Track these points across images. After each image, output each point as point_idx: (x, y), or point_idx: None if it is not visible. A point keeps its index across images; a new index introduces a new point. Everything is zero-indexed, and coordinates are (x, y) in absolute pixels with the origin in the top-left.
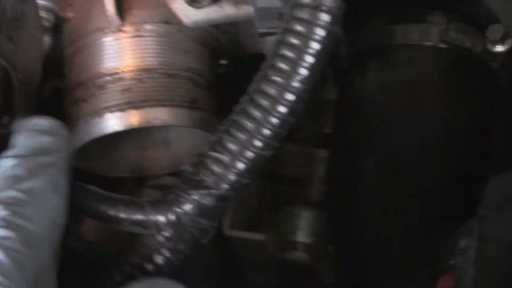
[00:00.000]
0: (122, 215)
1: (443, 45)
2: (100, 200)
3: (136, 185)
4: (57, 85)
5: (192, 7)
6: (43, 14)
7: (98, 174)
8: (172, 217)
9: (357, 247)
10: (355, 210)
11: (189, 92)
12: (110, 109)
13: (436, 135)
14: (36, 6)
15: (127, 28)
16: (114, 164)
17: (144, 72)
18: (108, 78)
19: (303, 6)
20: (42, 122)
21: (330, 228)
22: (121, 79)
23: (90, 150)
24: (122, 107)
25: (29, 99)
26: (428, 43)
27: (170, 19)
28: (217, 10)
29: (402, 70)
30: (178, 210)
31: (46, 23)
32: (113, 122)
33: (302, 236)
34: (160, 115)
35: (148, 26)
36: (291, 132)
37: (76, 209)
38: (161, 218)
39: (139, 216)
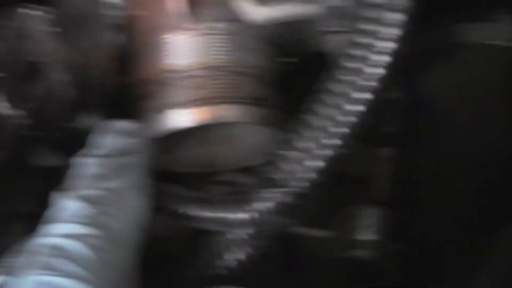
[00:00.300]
0: (206, 214)
1: (511, 45)
2: (181, 200)
3: (200, 181)
4: (123, 80)
5: (259, 5)
6: (114, 12)
7: (163, 169)
8: (254, 214)
9: (422, 244)
10: (420, 208)
11: (256, 89)
12: (181, 105)
13: (501, 135)
14: (109, 5)
15: (198, 26)
16: (180, 159)
17: (214, 70)
18: (179, 74)
19: (372, 6)
20: (123, 123)
21: (394, 226)
22: (192, 76)
23: (159, 145)
24: (194, 104)
25: (103, 96)
26: (495, 43)
27: (237, 17)
28: (283, 8)
29: (469, 69)
30: (260, 207)
31: (118, 21)
32: (185, 118)
33: (365, 234)
34: (229, 112)
35: (217, 24)
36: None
37: (157, 209)
38: (244, 216)
39: (222, 215)
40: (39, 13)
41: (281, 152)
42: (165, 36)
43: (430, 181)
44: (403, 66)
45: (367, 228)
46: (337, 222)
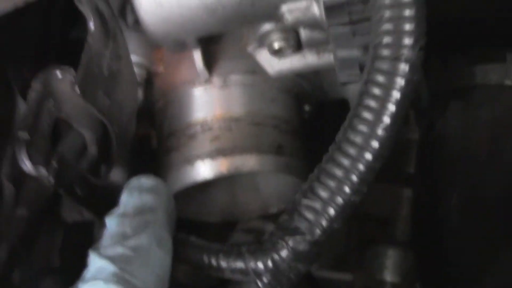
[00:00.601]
0: (224, 264)
1: None
2: (201, 250)
3: (223, 229)
4: (146, 132)
5: (276, 57)
6: (135, 69)
7: (188, 219)
8: (270, 263)
9: (445, 284)
10: (442, 247)
11: (275, 139)
12: (200, 157)
13: None
14: (130, 63)
15: (214, 79)
16: (205, 209)
17: (232, 121)
18: (198, 127)
19: (383, 58)
20: (144, 180)
21: (417, 267)
22: (210, 128)
23: (181, 196)
24: (212, 155)
25: (125, 150)
26: (508, 82)
27: (255, 69)
28: (300, 59)
29: (484, 109)
30: (276, 256)
31: (138, 78)
32: (204, 170)
33: (388, 276)
34: (248, 162)
35: (234, 77)
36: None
37: (178, 260)
38: (260, 265)
39: (240, 264)
40: (62, 73)
41: (301, 199)
42: (184, 90)
43: (451, 220)
44: (419, 108)
45: (390, 269)
46: (361, 263)
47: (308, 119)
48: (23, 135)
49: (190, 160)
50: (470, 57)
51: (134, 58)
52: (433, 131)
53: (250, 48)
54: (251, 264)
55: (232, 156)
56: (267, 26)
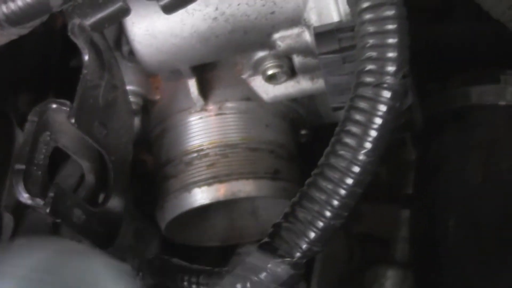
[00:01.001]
0: (203, 284)
1: None
2: (183, 271)
3: (220, 253)
4: (144, 158)
5: (270, 83)
6: (131, 98)
7: (187, 244)
8: (248, 285)
9: None
10: (440, 268)
11: (271, 164)
12: (197, 184)
13: None
14: (126, 93)
15: (210, 107)
16: (205, 234)
17: (228, 148)
18: (194, 155)
19: (366, 84)
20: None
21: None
22: (206, 155)
23: (181, 222)
24: (208, 182)
25: (123, 178)
26: (503, 103)
27: (250, 96)
28: (294, 85)
29: (479, 130)
30: (254, 278)
31: (135, 107)
32: (200, 196)
33: None
34: (244, 188)
35: (229, 104)
36: (377, 193)
37: (162, 281)
38: (238, 286)
39: (219, 285)
40: (58, 105)
41: (282, 223)
42: (180, 118)
43: (448, 241)
44: (414, 130)
45: None
46: (361, 285)
47: (305, 143)
48: (20, 167)
49: (187, 187)
50: (465, 79)
51: (130, 87)
52: (429, 153)
53: (244, 75)
54: (230, 285)
55: (228, 182)
56: (260, 53)
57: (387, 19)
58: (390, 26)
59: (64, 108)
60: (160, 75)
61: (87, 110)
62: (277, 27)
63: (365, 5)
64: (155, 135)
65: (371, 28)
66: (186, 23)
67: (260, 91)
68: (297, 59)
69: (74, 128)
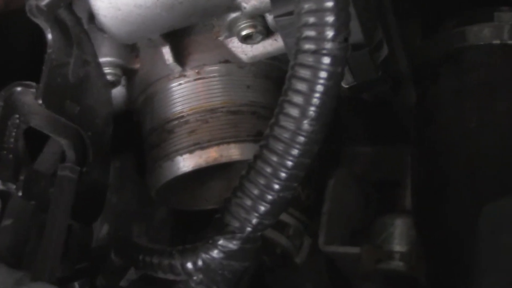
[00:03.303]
0: (156, 262)
1: None
2: (139, 250)
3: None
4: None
5: (247, 44)
6: (110, 69)
7: (189, 209)
8: (199, 262)
9: (442, 251)
10: (439, 215)
11: (254, 125)
12: (179, 152)
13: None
14: (99, 66)
15: (188, 72)
16: (200, 197)
17: (208, 113)
18: (175, 122)
19: (304, 51)
20: None
21: (418, 233)
22: (187, 122)
23: (173, 188)
24: (190, 149)
25: (102, 151)
26: (498, 42)
27: (229, 58)
28: (272, 43)
29: (475, 71)
30: (205, 255)
31: (114, 78)
32: (183, 164)
33: (397, 245)
34: (226, 152)
35: (208, 68)
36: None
37: (125, 261)
38: (189, 265)
39: (169, 263)
40: (24, 88)
41: (232, 198)
42: (160, 86)
43: (447, 187)
44: (399, 81)
45: (398, 239)
46: (368, 235)
47: None
48: None
49: (170, 156)
50: (459, 20)
51: (108, 58)
52: (425, 98)
53: (221, 37)
54: (180, 263)
55: (210, 148)
56: (233, 14)
57: None
58: None
59: (32, 90)
60: (137, 43)
61: (56, 89)
62: None
63: None
64: (139, 104)
65: None
66: None
67: (239, 52)
68: (269, 18)
69: (44, 109)
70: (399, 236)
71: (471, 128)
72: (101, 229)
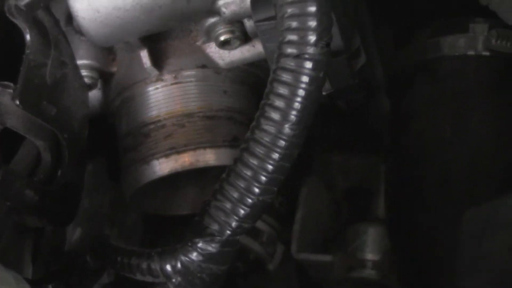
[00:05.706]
0: (135, 265)
1: (487, 53)
2: (117, 252)
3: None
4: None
5: (225, 49)
6: (86, 72)
7: (162, 214)
8: (178, 265)
9: (417, 259)
10: (413, 222)
11: (230, 131)
12: (155, 156)
13: (486, 144)
14: (76, 68)
15: (165, 76)
16: (174, 202)
17: (185, 117)
18: (152, 126)
19: (286, 55)
20: None
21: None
22: (163, 126)
23: (147, 193)
24: (166, 153)
25: (78, 153)
26: (472, 53)
27: (206, 63)
28: (249, 49)
29: (449, 82)
30: (184, 258)
31: (91, 81)
32: (159, 168)
33: (370, 253)
34: (202, 157)
35: (185, 72)
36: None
37: (104, 264)
38: (168, 267)
39: (148, 265)
40: (1, 88)
41: (212, 201)
42: (137, 90)
43: (421, 195)
44: (375, 88)
45: (370, 247)
46: (341, 243)
47: None
48: None
49: (146, 159)
50: (434, 30)
51: (85, 61)
52: (400, 106)
53: (199, 42)
54: (159, 266)
55: (186, 152)
56: (211, 19)
57: None
58: None
59: (8, 90)
60: (115, 46)
61: (33, 90)
62: None
63: None
64: (115, 107)
65: None
66: None
67: (216, 58)
68: (248, 23)
69: (20, 110)
70: (371, 244)
71: (445, 137)
72: (74, 233)
